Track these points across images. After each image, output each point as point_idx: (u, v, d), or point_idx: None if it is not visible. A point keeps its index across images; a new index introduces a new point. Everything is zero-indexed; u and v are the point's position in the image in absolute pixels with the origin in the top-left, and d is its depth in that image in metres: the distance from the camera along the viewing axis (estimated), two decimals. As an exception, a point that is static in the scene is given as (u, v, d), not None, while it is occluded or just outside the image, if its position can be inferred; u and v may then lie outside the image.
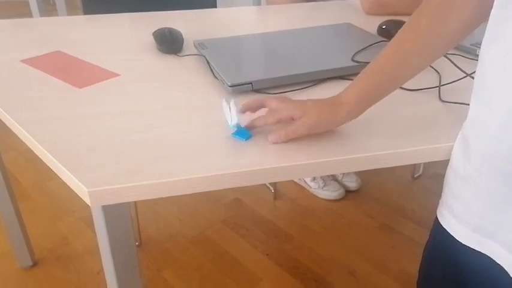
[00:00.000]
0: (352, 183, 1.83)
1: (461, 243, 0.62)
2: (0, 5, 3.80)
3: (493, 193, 0.56)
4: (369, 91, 0.65)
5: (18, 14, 3.30)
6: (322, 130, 0.66)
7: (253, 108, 0.70)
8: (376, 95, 0.66)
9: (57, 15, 2.99)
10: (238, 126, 0.67)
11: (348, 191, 1.83)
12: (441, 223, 0.66)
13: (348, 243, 1.61)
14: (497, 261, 0.59)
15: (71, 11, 3.02)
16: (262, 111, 0.69)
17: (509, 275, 0.58)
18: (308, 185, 1.84)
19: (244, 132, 0.67)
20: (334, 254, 1.56)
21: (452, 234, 0.64)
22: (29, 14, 2.38)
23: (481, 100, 0.56)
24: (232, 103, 0.67)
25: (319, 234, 1.65)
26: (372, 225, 1.69)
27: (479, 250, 0.61)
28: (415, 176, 1.93)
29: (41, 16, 2.34)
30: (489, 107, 0.54)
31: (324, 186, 1.80)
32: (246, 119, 0.68)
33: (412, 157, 0.67)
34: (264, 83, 0.81)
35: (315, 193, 1.83)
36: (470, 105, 0.59)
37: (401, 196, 1.84)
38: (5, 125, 0.76)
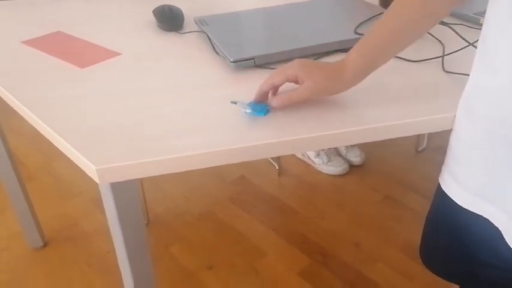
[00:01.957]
0: (356, 158, 1.84)
1: (461, 207, 0.64)
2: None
3: (493, 157, 0.56)
4: (373, 55, 0.64)
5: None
6: (327, 95, 0.66)
7: (267, 93, 0.69)
8: (381, 59, 0.65)
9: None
10: (251, 104, 0.67)
11: (352, 166, 1.84)
12: (443, 188, 0.67)
13: (353, 217, 1.63)
14: (496, 225, 0.60)
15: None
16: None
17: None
18: (312, 161, 1.84)
19: (260, 108, 0.66)
20: (339, 228, 1.58)
21: (453, 198, 0.65)
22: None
23: (483, 64, 0.56)
24: (239, 103, 0.68)
25: (324, 209, 1.67)
26: (376, 199, 1.71)
27: (479, 214, 0.62)
28: (419, 149, 1.94)
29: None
30: (492, 70, 0.54)
31: (328, 161, 1.81)
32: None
33: (416, 128, 0.68)
34: (266, 58, 0.81)
35: (319, 169, 1.84)
36: (472, 70, 0.59)
37: (405, 169, 1.85)
38: (7, 108, 0.76)
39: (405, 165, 1.87)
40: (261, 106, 0.67)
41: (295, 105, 0.66)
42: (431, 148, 1.96)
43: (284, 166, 1.88)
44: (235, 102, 0.67)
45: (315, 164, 1.84)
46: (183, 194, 1.75)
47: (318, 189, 1.77)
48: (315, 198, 1.72)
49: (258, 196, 1.74)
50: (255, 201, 1.71)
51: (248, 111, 0.66)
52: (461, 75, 0.74)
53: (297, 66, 0.65)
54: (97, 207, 1.67)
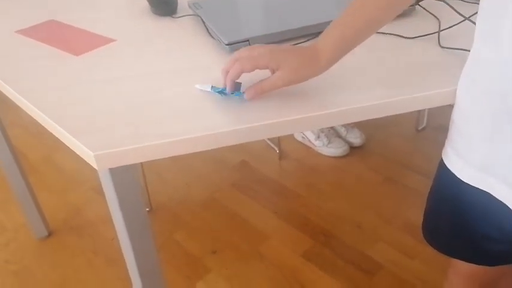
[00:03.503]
0: (356, 139, 1.84)
1: (464, 182, 0.64)
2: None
3: (496, 130, 0.57)
4: (346, 37, 0.63)
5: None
6: (301, 81, 0.65)
7: (235, 75, 0.65)
8: (354, 40, 0.64)
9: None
10: (222, 89, 0.66)
11: (352, 147, 1.84)
12: (445, 162, 0.67)
13: (354, 198, 1.63)
14: (498, 198, 0.60)
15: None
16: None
17: (511, 210, 0.59)
18: (312, 143, 1.85)
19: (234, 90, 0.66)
20: (341, 209, 1.58)
21: (455, 173, 0.65)
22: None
23: (484, 40, 0.56)
24: (200, 86, 0.68)
25: (325, 191, 1.67)
26: (377, 180, 1.71)
27: (481, 188, 0.62)
28: (419, 128, 1.93)
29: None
30: (493, 46, 0.54)
31: (328, 143, 1.81)
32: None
33: (416, 104, 0.68)
34: (261, 39, 0.80)
35: (319, 151, 1.84)
36: (473, 45, 0.59)
37: (405, 149, 1.85)
38: (7, 101, 0.76)
39: (406, 145, 1.87)
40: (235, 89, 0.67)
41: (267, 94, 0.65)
42: (432, 127, 1.95)
43: (284, 149, 1.88)
44: (201, 87, 0.68)
45: (315, 146, 1.84)
46: (184, 181, 1.76)
47: (318, 172, 1.77)
48: (316, 180, 1.73)
49: (259, 180, 1.74)
50: (256, 185, 1.72)
51: (222, 92, 0.66)
52: (459, 50, 0.73)
53: (268, 55, 0.62)
54: (99, 195, 1.69)
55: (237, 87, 0.66)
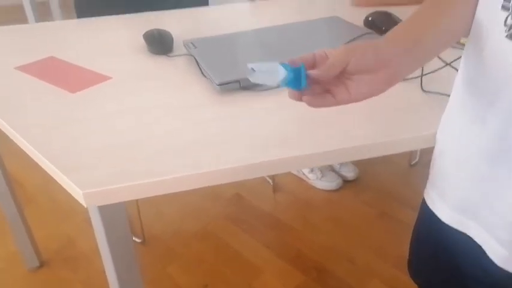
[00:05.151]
0: (349, 173, 1.85)
1: (444, 223, 0.65)
2: (-4, 11, 3.83)
3: (474, 173, 0.58)
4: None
5: (14, 19, 3.33)
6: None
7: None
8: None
9: (52, 18, 3.01)
10: (289, 69, 0.51)
11: (345, 181, 1.86)
12: (427, 202, 0.69)
13: (347, 232, 1.63)
14: (477, 241, 0.61)
15: (65, 13, 3.04)
16: None
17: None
18: (306, 176, 1.86)
19: (297, 72, 0.52)
20: (333, 243, 1.58)
21: (436, 214, 0.67)
22: (24, 20, 2.40)
23: (464, 83, 0.59)
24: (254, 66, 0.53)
25: (318, 224, 1.67)
26: (370, 214, 1.71)
27: (460, 230, 0.63)
28: (412, 163, 1.95)
29: (36, 21, 2.36)
30: (473, 88, 0.56)
31: (322, 177, 1.82)
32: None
33: (400, 146, 0.70)
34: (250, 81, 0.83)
35: (313, 184, 1.85)
36: (452, 92, 0.61)
37: (398, 184, 1.86)
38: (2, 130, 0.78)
39: (399, 180, 1.89)
40: (294, 68, 0.51)
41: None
42: (424, 162, 1.97)
43: (278, 182, 1.89)
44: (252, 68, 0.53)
45: (309, 179, 1.85)
46: (178, 213, 1.77)
47: (312, 205, 1.78)
48: (309, 213, 1.73)
49: (253, 213, 1.75)
50: (250, 218, 1.72)
51: (282, 77, 0.51)
52: (440, 95, 0.76)
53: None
54: (92, 226, 1.68)
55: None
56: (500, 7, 0.50)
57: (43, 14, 2.72)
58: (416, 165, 1.96)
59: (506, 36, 0.49)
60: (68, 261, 1.55)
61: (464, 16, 0.56)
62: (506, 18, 0.49)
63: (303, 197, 1.83)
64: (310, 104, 0.54)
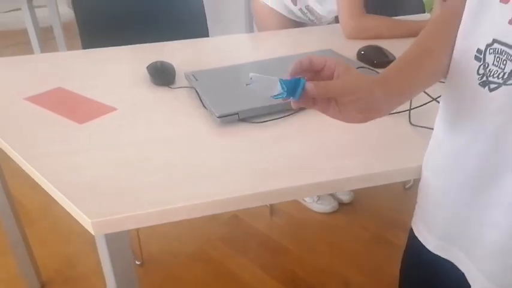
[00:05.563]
0: (345, 196, 1.90)
1: (431, 251, 0.69)
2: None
3: (456, 204, 0.63)
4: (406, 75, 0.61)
5: (19, 43, 3.39)
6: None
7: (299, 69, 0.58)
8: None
9: (55, 43, 3.08)
10: (282, 83, 0.54)
11: (341, 204, 1.90)
12: (414, 231, 0.73)
13: (342, 255, 1.67)
14: (461, 269, 0.65)
15: (68, 37, 3.10)
16: None
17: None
18: (303, 199, 1.90)
19: (293, 85, 0.54)
20: (329, 266, 1.61)
21: (423, 242, 0.71)
22: (27, 42, 2.46)
23: (444, 123, 0.64)
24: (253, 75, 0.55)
25: (314, 247, 1.71)
26: (365, 236, 1.75)
27: (445, 258, 0.67)
28: (407, 186, 2.00)
29: (39, 44, 2.42)
30: (452, 130, 0.61)
31: (318, 200, 1.86)
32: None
33: (390, 177, 0.75)
34: (249, 113, 0.88)
35: (309, 207, 1.89)
36: (435, 124, 0.66)
37: (393, 207, 1.90)
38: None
39: (393, 203, 1.93)
40: (293, 82, 0.54)
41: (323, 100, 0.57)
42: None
43: (275, 204, 1.93)
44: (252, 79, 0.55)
45: (306, 202, 1.89)
46: (176, 233, 1.80)
47: (308, 227, 1.81)
48: (305, 236, 1.77)
49: (250, 235, 1.78)
50: (247, 240, 1.75)
51: (276, 93, 0.54)
52: (427, 129, 0.81)
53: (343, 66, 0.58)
54: (93, 247, 1.71)
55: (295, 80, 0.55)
56: (473, 57, 0.55)
57: (46, 38, 2.79)
58: (411, 188, 2.00)
59: (479, 84, 0.55)
60: (68, 282, 1.58)
61: (447, 57, 0.61)
62: (479, 67, 0.55)
63: (300, 219, 1.86)
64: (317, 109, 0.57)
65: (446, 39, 0.60)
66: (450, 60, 0.61)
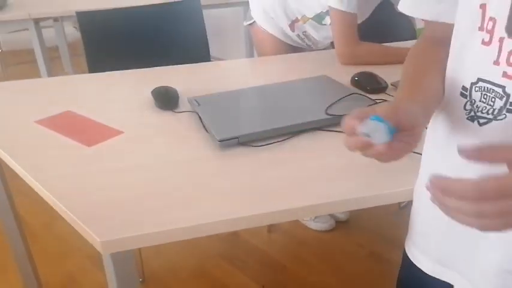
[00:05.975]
0: (341, 214, 1.94)
1: (425, 273, 0.71)
2: (6, 53, 3.98)
3: (449, 227, 0.64)
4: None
5: (25, 61, 3.47)
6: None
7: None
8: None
9: (61, 62, 3.15)
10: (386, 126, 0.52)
11: (338, 222, 1.94)
12: (407, 254, 0.75)
13: (339, 272, 1.70)
14: (456, 287, 0.67)
15: (72, 57, 3.18)
16: None
17: None
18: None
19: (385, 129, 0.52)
20: (325, 283, 1.65)
21: (416, 265, 0.72)
22: (34, 61, 2.52)
23: (433, 151, 0.67)
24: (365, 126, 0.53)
25: (311, 264, 1.74)
26: (361, 254, 1.79)
27: (442, 279, 0.69)
28: (402, 205, 2.04)
29: (45, 64, 2.48)
30: (440, 161, 0.64)
31: (315, 218, 1.90)
32: None
33: (384, 199, 0.79)
34: (248, 137, 0.93)
35: (307, 224, 1.93)
36: (423, 153, 0.69)
37: (389, 225, 1.95)
38: (13, 170, 0.87)
39: (389, 221, 1.97)
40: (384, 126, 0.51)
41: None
42: (414, 204, 2.05)
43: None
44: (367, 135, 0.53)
45: (303, 220, 1.93)
46: (176, 250, 1.83)
47: (305, 245, 1.85)
48: (303, 253, 1.80)
49: (248, 252, 1.82)
50: (245, 256, 1.79)
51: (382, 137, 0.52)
52: (417, 154, 0.86)
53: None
54: (94, 263, 1.75)
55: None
56: (459, 93, 0.57)
57: (52, 56, 2.86)
58: (405, 207, 2.04)
59: (467, 118, 0.56)
60: (70, 298, 1.61)
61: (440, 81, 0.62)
62: (465, 104, 0.57)
63: (297, 236, 1.90)
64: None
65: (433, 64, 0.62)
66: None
